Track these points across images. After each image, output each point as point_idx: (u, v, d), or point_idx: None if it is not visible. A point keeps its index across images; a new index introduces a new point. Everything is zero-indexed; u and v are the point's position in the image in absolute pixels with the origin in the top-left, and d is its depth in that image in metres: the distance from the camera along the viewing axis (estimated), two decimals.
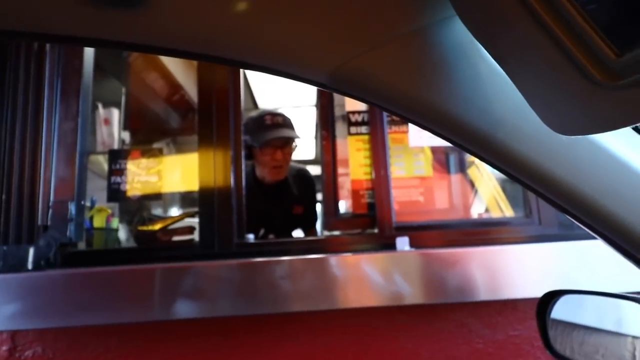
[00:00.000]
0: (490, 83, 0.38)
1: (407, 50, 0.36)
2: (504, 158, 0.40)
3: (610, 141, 0.40)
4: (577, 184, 0.40)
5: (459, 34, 0.36)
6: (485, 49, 0.34)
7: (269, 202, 1.87)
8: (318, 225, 2.07)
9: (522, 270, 1.11)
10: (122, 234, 1.81)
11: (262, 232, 1.82)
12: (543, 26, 0.27)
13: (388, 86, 0.37)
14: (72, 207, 1.12)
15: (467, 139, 0.40)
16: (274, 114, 1.77)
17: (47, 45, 1.21)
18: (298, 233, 2.09)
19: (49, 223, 1.11)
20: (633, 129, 0.41)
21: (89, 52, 1.23)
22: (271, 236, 1.84)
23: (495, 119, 0.39)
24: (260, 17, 0.36)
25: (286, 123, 1.77)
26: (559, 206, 0.44)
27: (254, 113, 1.87)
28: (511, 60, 0.33)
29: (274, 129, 1.73)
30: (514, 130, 0.39)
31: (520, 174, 0.42)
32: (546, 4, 0.27)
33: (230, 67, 1.26)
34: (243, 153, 1.28)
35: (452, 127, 0.39)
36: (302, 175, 2.01)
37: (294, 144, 1.81)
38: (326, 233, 1.37)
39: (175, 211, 2.92)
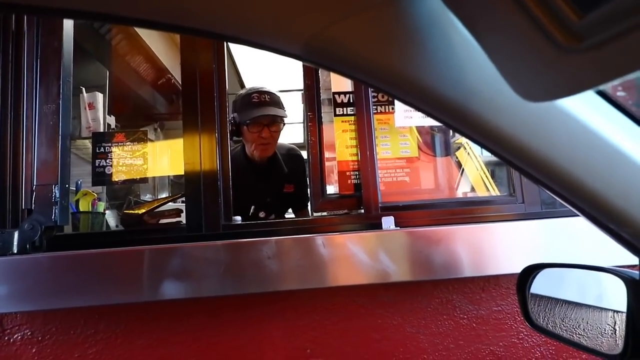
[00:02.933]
0: (464, 53, 0.38)
1: (380, 19, 0.36)
2: (478, 129, 0.41)
3: (582, 111, 0.40)
4: (550, 156, 0.41)
5: (432, 4, 0.36)
6: (457, 17, 0.35)
7: (259, 179, 1.90)
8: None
9: (505, 247, 1.13)
10: (112, 220, 1.80)
11: (252, 209, 1.84)
12: None
13: (362, 56, 0.37)
14: (56, 191, 1.10)
15: (441, 109, 0.40)
16: (261, 92, 1.78)
17: (25, 26, 1.17)
18: (290, 214, 2.11)
19: (33, 207, 1.10)
20: (602, 97, 0.41)
21: (68, 33, 1.20)
22: (261, 213, 1.87)
23: (469, 89, 0.39)
24: None
25: (273, 101, 1.78)
26: (534, 178, 0.44)
27: (242, 91, 1.87)
28: (482, 29, 0.33)
29: (261, 107, 1.74)
30: (488, 100, 0.39)
31: (494, 145, 0.42)
32: None
33: (212, 45, 1.24)
34: (229, 131, 1.27)
35: (426, 97, 0.39)
36: (292, 154, 2.03)
37: (281, 122, 1.82)
38: (314, 214, 1.37)
39: (165, 195, 2.91)
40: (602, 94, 0.42)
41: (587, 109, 0.40)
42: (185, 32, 0.39)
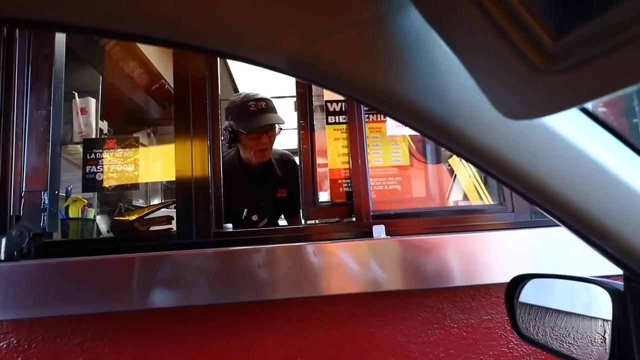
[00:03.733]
0: (447, 70, 0.39)
1: (365, 36, 0.37)
2: (461, 144, 0.41)
3: (563, 127, 0.41)
4: (532, 170, 0.41)
5: (416, 22, 0.37)
6: (440, 36, 0.35)
7: (253, 183, 1.93)
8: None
9: (495, 256, 1.13)
10: (103, 226, 1.79)
11: (245, 213, 1.86)
12: (486, 13, 0.28)
13: (347, 72, 0.38)
14: (45, 197, 1.10)
15: (425, 124, 0.40)
16: (257, 100, 1.80)
17: (17, 33, 1.17)
18: (283, 219, 2.11)
19: (21, 213, 1.09)
20: (583, 112, 0.42)
21: (60, 39, 1.20)
22: (254, 217, 1.88)
23: (453, 105, 0.39)
24: (220, 1, 0.36)
25: (270, 107, 1.81)
26: (518, 191, 0.45)
27: (235, 97, 1.88)
28: (462, 47, 0.34)
29: (260, 115, 1.76)
30: (470, 116, 0.40)
31: (477, 159, 0.43)
32: None
33: (193, 53, 1.24)
34: (222, 139, 1.27)
35: (410, 113, 0.40)
36: (285, 159, 2.05)
37: (277, 127, 1.85)
38: (306, 222, 1.37)
39: (157, 201, 2.89)
40: (583, 109, 0.43)
41: (567, 124, 0.41)
42: (173, 46, 0.40)
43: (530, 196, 0.44)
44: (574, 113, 0.42)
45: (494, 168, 0.42)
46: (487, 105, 0.35)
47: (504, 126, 0.40)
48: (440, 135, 0.41)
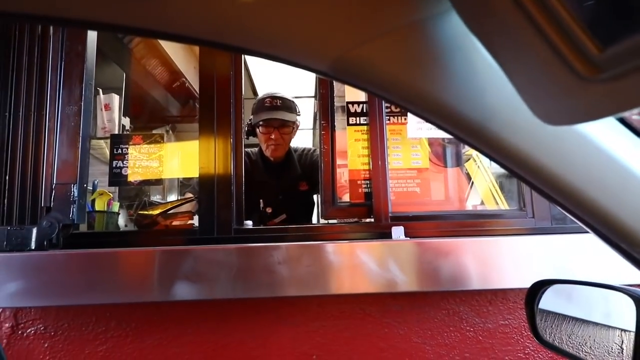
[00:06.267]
0: (485, 76, 0.40)
1: (405, 41, 0.38)
2: (496, 148, 0.42)
3: (598, 134, 0.41)
4: (565, 175, 0.42)
5: (456, 28, 0.38)
6: (480, 42, 0.36)
7: (272, 176, 2.02)
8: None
9: (514, 261, 1.13)
10: (122, 220, 1.83)
11: (262, 203, 1.94)
12: (532, 22, 0.29)
13: (386, 76, 0.39)
14: (74, 190, 1.13)
15: (461, 128, 0.41)
16: (274, 97, 1.91)
17: (51, 30, 1.21)
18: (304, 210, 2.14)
19: (51, 205, 1.13)
20: (619, 120, 0.42)
21: (91, 37, 1.24)
22: (269, 209, 1.93)
23: (489, 110, 0.40)
24: (266, 5, 0.38)
25: (285, 105, 1.90)
26: (548, 196, 0.46)
27: (262, 94, 2.00)
28: (504, 53, 0.35)
29: (270, 111, 1.87)
30: (506, 121, 0.41)
31: (511, 164, 0.43)
32: (536, 0, 0.28)
33: (234, 54, 1.27)
34: (243, 135, 1.30)
35: (447, 116, 0.41)
36: (306, 154, 2.11)
37: (293, 125, 1.94)
38: (323, 221, 1.39)
39: (174, 197, 2.93)
40: (618, 117, 0.44)
41: (602, 131, 0.42)
42: (218, 48, 0.41)
43: (562, 201, 0.45)
44: (609, 120, 0.43)
45: (526, 172, 0.43)
46: (523, 110, 0.36)
47: (539, 132, 0.40)
48: (475, 140, 0.42)
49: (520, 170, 0.43)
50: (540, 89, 0.33)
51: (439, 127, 0.42)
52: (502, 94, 0.40)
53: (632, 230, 0.44)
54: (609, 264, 0.90)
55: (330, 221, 1.34)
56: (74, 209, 1.13)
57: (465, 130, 0.41)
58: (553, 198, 0.45)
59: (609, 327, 1.12)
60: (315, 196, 2.13)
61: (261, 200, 1.93)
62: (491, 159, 0.44)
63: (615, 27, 0.26)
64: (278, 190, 2.00)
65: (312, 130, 4.58)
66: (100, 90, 2.11)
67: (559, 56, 0.29)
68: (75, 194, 1.13)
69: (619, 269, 0.71)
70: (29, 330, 1.10)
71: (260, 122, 1.88)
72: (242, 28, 0.40)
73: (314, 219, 2.29)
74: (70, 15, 0.40)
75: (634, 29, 0.24)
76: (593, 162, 0.41)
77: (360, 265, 1.09)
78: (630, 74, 0.26)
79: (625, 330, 1.13)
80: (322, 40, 0.39)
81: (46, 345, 1.09)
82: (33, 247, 1.08)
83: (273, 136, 1.89)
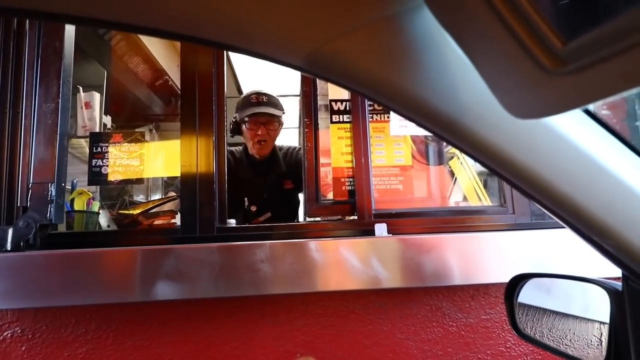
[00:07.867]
0: (457, 70, 0.40)
1: (378, 35, 0.38)
2: (469, 142, 0.43)
3: (567, 128, 0.42)
4: (536, 169, 0.43)
5: (429, 22, 0.38)
6: (451, 37, 0.37)
7: (257, 175, 2.01)
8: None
9: (495, 256, 1.15)
10: (103, 221, 1.80)
11: (246, 201, 1.93)
12: (499, 15, 0.29)
13: (360, 70, 0.39)
14: (52, 189, 1.11)
15: (434, 123, 0.42)
16: (259, 93, 1.92)
17: (27, 25, 1.18)
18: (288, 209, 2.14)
19: (28, 204, 1.11)
20: (588, 114, 0.43)
21: (69, 33, 1.21)
22: (253, 208, 1.93)
23: (462, 104, 0.41)
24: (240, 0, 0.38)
25: (271, 101, 1.91)
26: (523, 191, 0.46)
27: (247, 92, 2.01)
28: (473, 48, 0.35)
29: (258, 106, 1.87)
30: (479, 115, 0.41)
31: (485, 158, 0.44)
32: None
33: (212, 49, 1.26)
34: (227, 133, 1.29)
35: (420, 111, 0.41)
36: (291, 152, 2.11)
37: (279, 121, 1.94)
38: (308, 219, 1.39)
39: (158, 196, 2.90)
40: (587, 111, 0.45)
41: (571, 125, 0.42)
42: (192, 42, 0.41)
43: (533, 194, 0.45)
44: (577, 114, 0.43)
45: (499, 166, 0.44)
46: (495, 105, 0.37)
47: (510, 126, 0.41)
48: (448, 134, 0.42)
49: (494, 164, 0.44)
50: (508, 82, 0.33)
51: (414, 121, 0.42)
52: (475, 89, 0.40)
53: (602, 223, 0.44)
54: (586, 258, 0.92)
55: (314, 219, 1.34)
56: (52, 209, 1.10)
57: (440, 125, 0.41)
58: (527, 192, 0.46)
59: (588, 320, 1.15)
60: (300, 194, 2.13)
61: (246, 199, 1.93)
62: (465, 153, 0.44)
63: (578, 21, 0.26)
64: (263, 189, 1.99)
65: (297, 129, 4.57)
66: (81, 88, 2.07)
67: (524, 49, 0.29)
68: (53, 194, 1.11)
69: (595, 262, 0.72)
70: (6, 333, 1.07)
71: (246, 118, 1.88)
72: (217, 22, 0.40)
73: (300, 217, 2.29)
74: (39, 7, 0.39)
75: (595, 22, 0.25)
76: (562, 155, 0.41)
77: (344, 263, 1.09)
78: (592, 67, 0.26)
79: (603, 323, 1.15)
80: (296, 34, 0.39)
81: (24, 348, 1.07)
82: (9, 248, 1.05)
83: (260, 132, 1.88)
